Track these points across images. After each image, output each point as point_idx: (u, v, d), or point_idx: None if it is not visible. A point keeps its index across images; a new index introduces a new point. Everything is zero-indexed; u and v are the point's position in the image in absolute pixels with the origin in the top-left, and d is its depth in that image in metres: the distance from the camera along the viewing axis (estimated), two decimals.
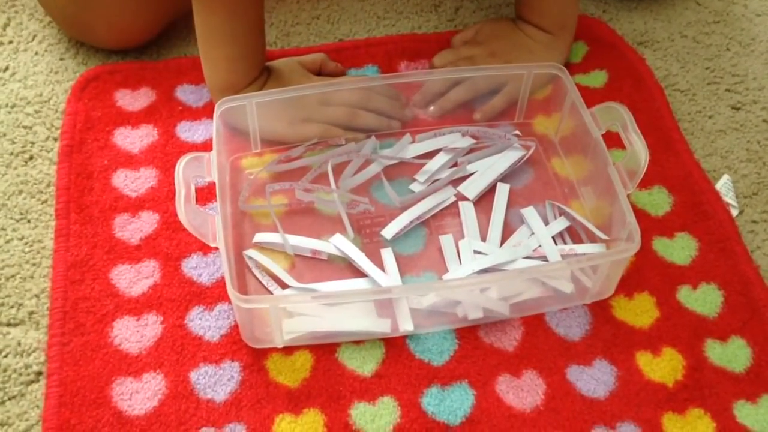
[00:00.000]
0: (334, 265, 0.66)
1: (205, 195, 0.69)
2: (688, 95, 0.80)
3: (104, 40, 0.79)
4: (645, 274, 0.66)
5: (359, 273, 0.64)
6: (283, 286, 0.63)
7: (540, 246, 0.65)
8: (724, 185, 0.72)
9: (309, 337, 0.61)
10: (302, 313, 0.60)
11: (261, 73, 0.73)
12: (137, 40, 0.79)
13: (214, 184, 0.62)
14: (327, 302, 0.60)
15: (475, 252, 0.65)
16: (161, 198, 0.69)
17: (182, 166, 0.60)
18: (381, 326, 0.61)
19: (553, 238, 0.66)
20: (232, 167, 0.71)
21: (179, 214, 0.58)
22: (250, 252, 0.65)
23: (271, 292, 0.63)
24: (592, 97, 0.76)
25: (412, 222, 0.67)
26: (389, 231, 0.67)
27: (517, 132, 0.74)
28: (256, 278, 0.64)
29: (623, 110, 0.64)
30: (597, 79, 0.80)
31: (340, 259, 0.66)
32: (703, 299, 0.65)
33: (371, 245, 0.67)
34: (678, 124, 0.77)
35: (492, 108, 0.74)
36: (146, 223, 0.68)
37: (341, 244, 0.65)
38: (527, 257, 0.65)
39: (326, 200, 0.69)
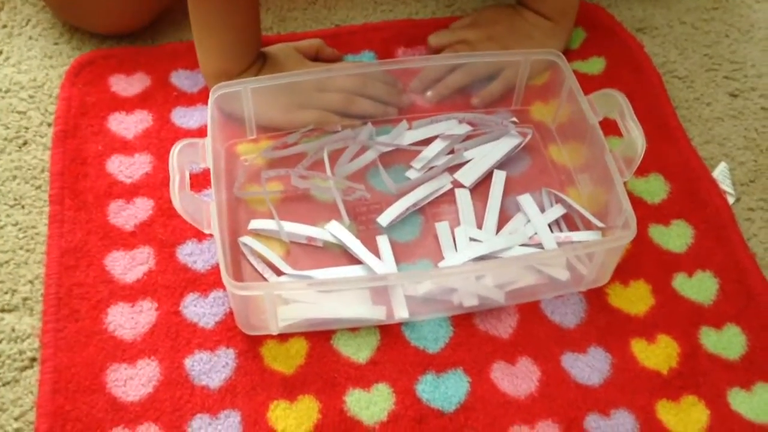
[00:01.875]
0: (329, 251, 0.65)
1: (200, 181, 0.69)
2: (686, 82, 0.80)
3: (96, 25, 0.78)
4: (641, 261, 0.66)
5: (355, 260, 0.64)
6: (278, 272, 0.63)
7: (536, 233, 0.65)
8: (721, 173, 0.72)
9: (304, 324, 0.61)
10: (297, 300, 0.60)
11: (256, 59, 0.72)
12: (130, 26, 0.79)
13: (209, 170, 0.61)
14: (322, 289, 0.60)
15: (471, 239, 0.65)
16: (156, 184, 0.69)
17: (176, 152, 0.60)
18: (376, 313, 0.61)
19: (549, 225, 0.66)
20: (228, 153, 0.71)
21: (173, 201, 0.58)
22: (245, 239, 0.65)
23: (266, 279, 0.63)
24: (589, 83, 0.75)
25: (408, 209, 0.67)
26: (385, 218, 0.67)
27: (514, 119, 0.74)
28: (251, 265, 0.64)
29: (621, 97, 0.63)
30: (595, 65, 0.80)
31: (335, 245, 0.65)
32: (699, 287, 0.65)
33: (367, 232, 0.66)
34: (676, 111, 0.77)
35: (490, 93, 0.74)
36: (141, 209, 0.67)
37: (337, 231, 0.65)
38: (523, 245, 0.65)
39: (322, 187, 0.68)
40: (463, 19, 0.81)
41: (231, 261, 0.63)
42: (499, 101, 0.74)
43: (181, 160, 0.59)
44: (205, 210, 0.59)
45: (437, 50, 0.79)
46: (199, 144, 0.61)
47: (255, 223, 0.66)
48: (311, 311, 0.60)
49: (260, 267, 0.64)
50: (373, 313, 0.61)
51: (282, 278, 0.63)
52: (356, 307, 0.61)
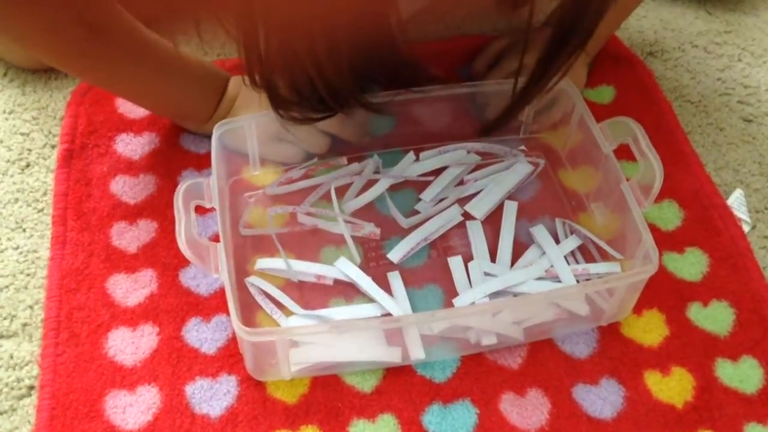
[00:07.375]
0: (338, 286, 0.63)
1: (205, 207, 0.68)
2: (699, 107, 0.79)
3: (18, 60, 0.77)
4: (654, 290, 0.64)
5: (365, 293, 0.62)
6: (288, 312, 0.61)
7: (552, 266, 0.63)
8: (736, 200, 0.71)
9: (317, 368, 0.58)
10: (309, 342, 0.58)
11: (223, 93, 0.69)
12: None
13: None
14: (337, 332, 0.57)
15: (486, 274, 0.63)
16: (160, 206, 0.68)
17: (181, 192, 0.57)
18: (391, 356, 0.58)
19: (564, 257, 0.64)
20: (232, 191, 0.69)
21: (180, 246, 0.55)
22: (253, 279, 0.63)
23: (275, 321, 0.61)
24: (599, 112, 0.74)
25: (418, 243, 0.65)
26: (396, 254, 0.65)
27: (523, 147, 0.73)
28: (258, 305, 0.62)
29: (634, 125, 0.61)
30: (604, 94, 0.78)
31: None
32: (714, 317, 0.63)
33: (377, 268, 0.64)
34: (688, 136, 0.75)
35: (549, 118, 0.72)
36: (144, 231, 0.66)
37: (347, 269, 0.63)
38: (539, 278, 0.63)
39: (329, 223, 0.67)
40: (494, 45, 0.78)
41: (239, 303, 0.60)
42: (508, 130, 0.72)
43: (186, 200, 0.57)
44: (213, 254, 0.56)
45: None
46: (204, 183, 0.59)
47: (262, 263, 0.64)
48: (325, 354, 0.58)
49: (268, 308, 0.61)
50: (388, 355, 0.58)
51: (292, 318, 0.61)
52: (372, 350, 0.58)
